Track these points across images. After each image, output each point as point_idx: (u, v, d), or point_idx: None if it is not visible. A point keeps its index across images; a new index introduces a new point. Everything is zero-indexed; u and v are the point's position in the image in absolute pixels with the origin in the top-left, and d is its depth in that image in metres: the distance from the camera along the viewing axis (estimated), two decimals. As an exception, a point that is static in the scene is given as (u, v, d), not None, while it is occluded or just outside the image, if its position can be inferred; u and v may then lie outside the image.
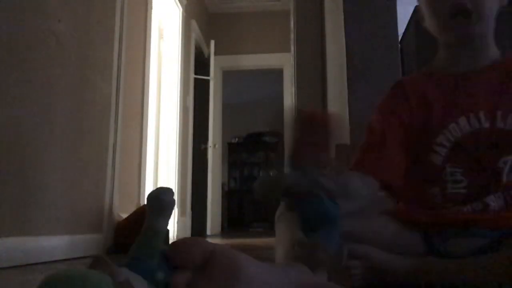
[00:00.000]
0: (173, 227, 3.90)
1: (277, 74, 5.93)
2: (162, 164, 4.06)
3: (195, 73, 4.89)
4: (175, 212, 4.01)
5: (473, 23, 0.94)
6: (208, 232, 5.02)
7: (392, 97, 1.06)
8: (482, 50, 0.99)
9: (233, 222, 8.39)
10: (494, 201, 0.91)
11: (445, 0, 0.95)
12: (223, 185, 6.81)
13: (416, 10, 2.02)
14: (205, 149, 5.01)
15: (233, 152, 8.86)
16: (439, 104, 0.98)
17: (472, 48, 0.99)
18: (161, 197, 0.54)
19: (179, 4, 4.31)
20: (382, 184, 0.94)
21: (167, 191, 0.54)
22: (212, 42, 5.15)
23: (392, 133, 0.99)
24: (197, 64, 4.92)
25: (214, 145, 5.24)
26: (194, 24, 4.91)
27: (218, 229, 5.67)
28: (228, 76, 6.21)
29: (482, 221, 0.89)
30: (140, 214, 2.42)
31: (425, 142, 0.97)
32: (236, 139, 8.91)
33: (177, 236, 3.96)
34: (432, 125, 0.97)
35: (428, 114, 0.98)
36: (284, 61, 5.37)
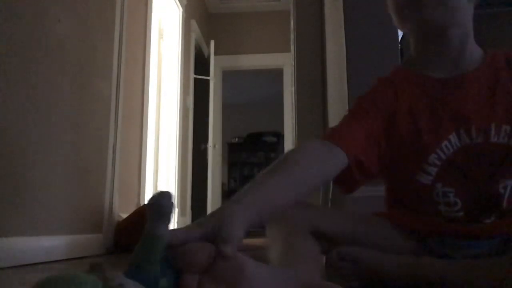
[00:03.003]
0: (173, 227, 3.90)
1: (277, 74, 5.93)
2: (162, 164, 4.06)
3: (195, 73, 4.89)
4: (175, 212, 4.00)
5: (434, 7, 0.85)
6: (208, 232, 5.01)
7: (380, 92, 0.95)
8: (461, 50, 0.90)
9: (233, 222, 8.38)
10: (489, 219, 0.87)
11: None
12: (223, 185, 6.81)
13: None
14: (205, 149, 5.01)
15: (233, 152, 8.86)
16: (426, 114, 0.89)
17: (448, 45, 0.90)
18: (160, 202, 0.53)
19: (179, 4, 4.31)
20: (355, 159, 0.84)
21: (166, 196, 0.53)
22: (212, 42, 5.15)
23: (370, 125, 0.89)
24: (197, 64, 4.92)
25: (214, 145, 5.24)
26: (194, 24, 4.91)
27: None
28: (228, 76, 6.21)
29: (479, 232, 0.86)
30: (140, 214, 2.42)
31: (415, 160, 0.89)
32: (236, 139, 8.91)
33: (177, 236, 3.95)
34: (422, 142, 0.88)
35: (416, 127, 0.89)
36: (284, 61, 5.37)
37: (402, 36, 2.27)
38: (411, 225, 0.90)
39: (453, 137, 0.87)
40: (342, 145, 0.82)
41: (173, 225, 3.88)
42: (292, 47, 2.63)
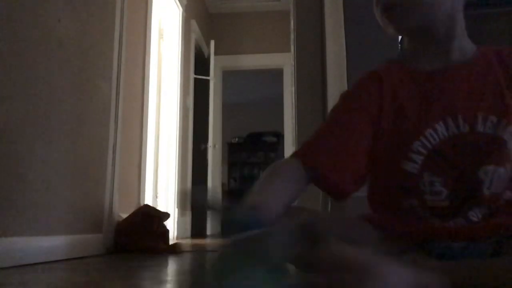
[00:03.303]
0: (173, 227, 3.90)
1: (277, 74, 5.93)
2: (162, 164, 4.06)
3: (195, 73, 4.89)
4: (175, 212, 4.01)
5: (402, 16, 0.90)
6: (208, 232, 5.02)
7: (365, 90, 0.96)
8: (448, 45, 0.92)
9: (233, 222, 8.38)
10: (476, 216, 0.85)
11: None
12: (223, 185, 6.81)
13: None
14: (205, 149, 5.01)
15: (233, 152, 8.86)
16: (414, 104, 0.91)
17: (433, 42, 0.92)
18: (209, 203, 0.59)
19: (179, 4, 4.31)
20: (330, 185, 0.88)
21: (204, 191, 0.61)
22: (212, 42, 5.15)
23: (355, 130, 0.91)
24: (197, 64, 4.93)
25: (214, 145, 5.24)
26: (194, 24, 4.91)
27: (218, 229, 5.67)
28: (228, 76, 6.21)
29: (463, 234, 0.84)
30: (140, 214, 2.42)
31: (399, 148, 0.89)
32: (236, 139, 8.91)
33: (177, 236, 3.96)
34: (406, 129, 0.89)
35: (402, 115, 0.91)
36: (284, 61, 5.37)
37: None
38: (400, 229, 0.89)
39: (439, 126, 0.88)
40: (307, 162, 0.88)
41: (173, 224, 3.88)
42: (292, 47, 2.63)
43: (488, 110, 0.87)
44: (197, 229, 4.70)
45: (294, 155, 0.92)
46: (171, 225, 3.73)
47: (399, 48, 1.94)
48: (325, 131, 0.94)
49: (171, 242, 2.44)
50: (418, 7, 0.90)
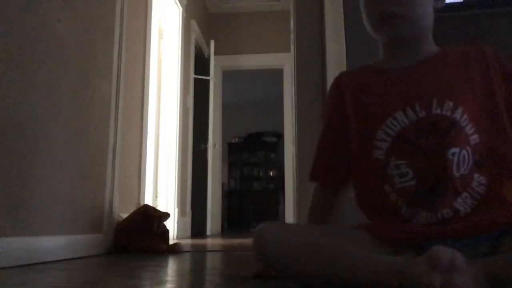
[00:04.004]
0: (173, 227, 3.90)
1: (277, 74, 5.94)
2: (162, 164, 4.06)
3: (195, 73, 4.89)
4: (175, 212, 4.01)
5: (402, 27, 0.99)
6: (208, 232, 5.02)
7: (331, 95, 1.14)
8: (417, 48, 1.03)
9: (233, 222, 8.40)
10: (463, 205, 0.89)
11: (375, 6, 1.00)
12: (223, 185, 6.81)
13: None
14: (205, 149, 5.01)
15: (233, 152, 8.87)
16: (376, 99, 1.02)
17: (408, 47, 1.03)
18: None
19: (179, 4, 4.31)
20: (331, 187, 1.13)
21: None
22: (212, 42, 5.15)
23: (335, 134, 1.10)
24: (197, 64, 4.93)
25: (214, 145, 5.24)
26: (194, 24, 4.91)
27: (218, 229, 5.67)
28: (228, 76, 6.21)
29: (453, 232, 0.87)
30: (140, 214, 2.42)
31: (367, 137, 1.00)
32: (236, 139, 8.92)
33: (177, 236, 3.96)
34: (370, 121, 1.00)
35: (366, 111, 1.02)
36: (284, 61, 5.37)
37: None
38: (395, 235, 0.92)
39: (399, 115, 0.97)
40: (323, 183, 1.15)
41: (173, 224, 3.88)
42: (292, 47, 2.63)
43: (444, 95, 0.95)
44: (197, 229, 4.70)
45: (313, 178, 1.16)
46: (171, 225, 3.73)
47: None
48: (319, 152, 1.15)
49: (171, 242, 2.44)
50: (417, 19, 0.99)
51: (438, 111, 0.94)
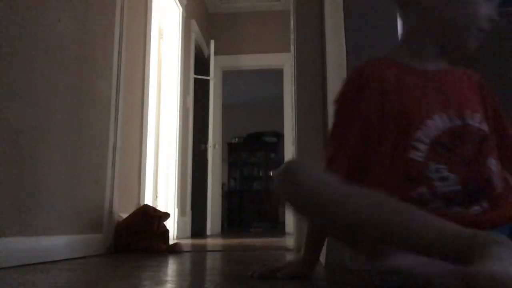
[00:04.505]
0: (173, 227, 3.90)
1: (277, 74, 5.94)
2: (162, 164, 4.06)
3: (195, 73, 4.89)
4: (175, 212, 4.00)
5: (475, 42, 1.00)
6: (208, 232, 5.02)
7: (368, 87, 1.01)
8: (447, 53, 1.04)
9: (233, 222, 8.40)
10: (486, 204, 0.91)
11: (482, 18, 0.98)
12: (223, 185, 6.81)
13: None
14: (205, 149, 5.01)
15: (233, 152, 8.87)
16: (414, 96, 0.98)
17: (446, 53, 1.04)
18: None
19: (179, 4, 4.31)
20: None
21: None
22: (212, 42, 5.15)
23: (368, 127, 0.99)
24: (197, 64, 4.93)
25: (214, 145, 5.24)
26: (194, 24, 4.91)
27: (218, 229, 5.67)
28: (228, 76, 6.21)
29: (486, 222, 0.87)
30: (140, 214, 2.42)
31: (403, 137, 0.95)
32: (236, 139, 8.92)
33: (177, 236, 3.96)
34: (409, 118, 0.96)
35: (402, 106, 0.97)
36: (284, 61, 5.38)
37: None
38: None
39: (438, 118, 0.95)
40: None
41: (173, 224, 3.88)
42: (292, 47, 2.63)
43: (472, 107, 0.98)
44: (197, 229, 4.70)
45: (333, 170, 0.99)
46: (171, 225, 3.73)
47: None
48: (344, 142, 1.01)
49: (171, 242, 2.44)
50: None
51: (471, 121, 0.96)
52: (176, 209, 4.06)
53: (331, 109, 1.11)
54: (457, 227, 0.76)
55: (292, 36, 2.61)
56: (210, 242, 3.57)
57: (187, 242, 3.41)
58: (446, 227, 0.76)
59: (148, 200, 3.35)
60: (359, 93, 1.01)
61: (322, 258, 1.45)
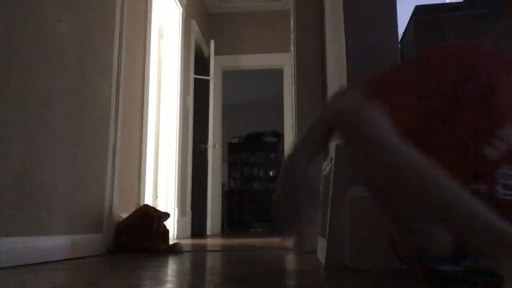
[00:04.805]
0: (173, 227, 3.90)
1: (277, 74, 5.94)
2: (162, 164, 4.06)
3: (195, 73, 4.89)
4: (175, 212, 4.01)
5: None
6: (208, 232, 5.02)
7: (445, 76, 0.92)
8: None
9: (233, 222, 8.41)
10: None
11: None
12: (223, 185, 6.81)
13: (416, 11, 2.01)
14: (205, 149, 5.01)
15: (233, 152, 8.87)
16: (506, 92, 0.88)
17: None
18: None
19: (179, 4, 4.31)
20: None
21: None
22: (212, 42, 5.15)
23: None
24: (197, 64, 4.93)
25: (214, 145, 5.24)
26: (194, 24, 4.91)
27: (218, 229, 5.67)
28: (228, 76, 6.22)
29: None
30: (140, 214, 2.42)
31: (482, 131, 0.86)
32: (236, 139, 8.92)
33: (177, 236, 3.96)
34: (494, 113, 0.86)
35: (491, 98, 0.87)
36: (284, 61, 5.38)
37: (402, 36, 2.28)
38: None
39: None
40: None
41: (173, 224, 3.88)
42: (292, 47, 2.63)
43: None
44: (197, 229, 4.70)
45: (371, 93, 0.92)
46: (171, 225, 3.73)
47: (400, 49, 1.94)
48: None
49: (171, 242, 2.44)
50: None
51: None
52: (176, 209, 4.06)
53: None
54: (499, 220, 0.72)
55: (292, 36, 2.61)
56: (210, 242, 3.56)
57: (187, 242, 3.41)
58: (494, 216, 0.73)
59: (148, 200, 3.35)
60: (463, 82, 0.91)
61: (322, 258, 1.45)
